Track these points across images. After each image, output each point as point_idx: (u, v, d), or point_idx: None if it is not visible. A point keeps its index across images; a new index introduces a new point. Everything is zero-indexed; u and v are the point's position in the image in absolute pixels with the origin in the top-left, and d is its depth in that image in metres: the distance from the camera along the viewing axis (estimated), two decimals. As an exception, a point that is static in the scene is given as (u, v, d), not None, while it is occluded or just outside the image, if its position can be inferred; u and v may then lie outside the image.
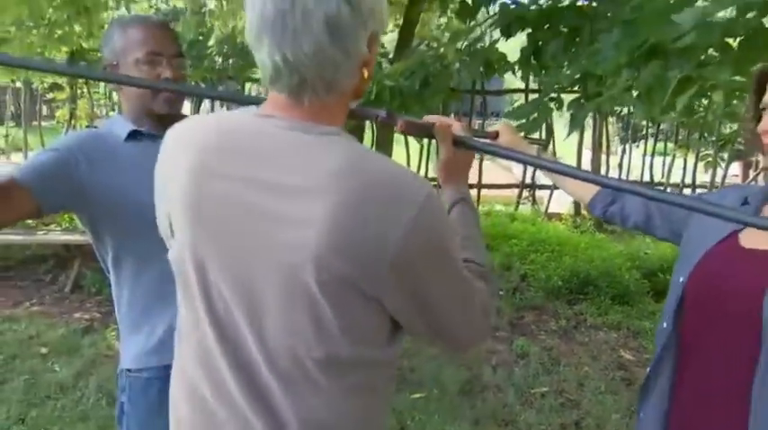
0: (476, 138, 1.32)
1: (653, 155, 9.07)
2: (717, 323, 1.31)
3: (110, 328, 4.48)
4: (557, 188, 6.52)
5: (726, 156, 8.37)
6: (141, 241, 1.52)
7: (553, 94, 2.41)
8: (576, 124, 2.36)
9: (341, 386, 0.99)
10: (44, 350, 4.13)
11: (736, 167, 10.19)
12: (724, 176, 8.69)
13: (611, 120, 10.44)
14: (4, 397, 3.48)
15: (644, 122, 9.38)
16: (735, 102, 1.87)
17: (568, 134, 2.40)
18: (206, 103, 6.22)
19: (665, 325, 1.39)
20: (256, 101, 1.63)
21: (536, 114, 2.45)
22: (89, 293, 5.18)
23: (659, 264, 6.03)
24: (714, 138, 7.94)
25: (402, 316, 1.00)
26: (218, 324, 1.00)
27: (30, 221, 5.49)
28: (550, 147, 7.88)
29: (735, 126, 7.55)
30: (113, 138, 1.64)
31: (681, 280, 1.36)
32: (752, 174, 9.47)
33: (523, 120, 2.44)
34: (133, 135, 1.64)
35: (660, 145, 9.87)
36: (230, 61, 3.36)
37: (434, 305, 1.00)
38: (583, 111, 2.28)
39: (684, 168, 8.66)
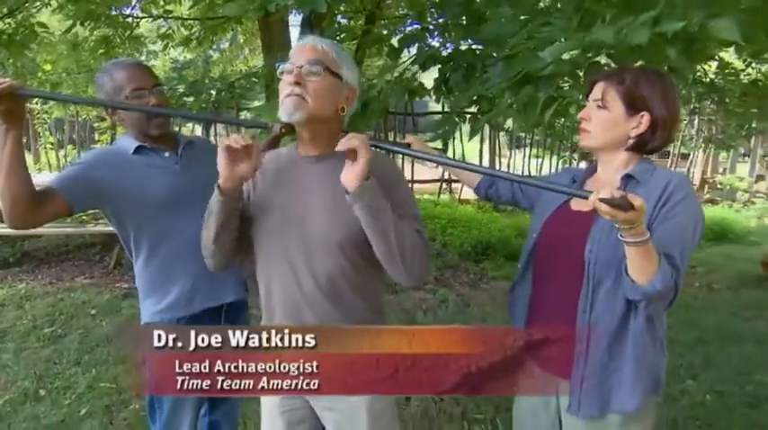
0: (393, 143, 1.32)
1: (530, 157, 9.24)
2: (556, 261, 1.32)
3: (143, 294, 4.30)
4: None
5: (576, 156, 8.72)
6: (153, 225, 1.55)
7: (457, 112, 2.35)
8: (474, 133, 2.31)
9: None
10: (93, 311, 3.98)
11: (583, 164, 10.47)
12: (577, 167, 8.89)
13: (501, 133, 10.58)
14: (64, 346, 3.35)
15: (523, 134, 9.52)
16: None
17: (469, 139, 2.37)
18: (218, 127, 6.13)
19: (519, 266, 1.44)
20: (254, 124, 1.58)
21: (446, 127, 2.38)
22: (126, 269, 4.95)
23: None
24: (569, 145, 8.12)
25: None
26: None
27: (83, 217, 5.53)
28: (459, 153, 7.90)
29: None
30: (123, 152, 1.56)
31: (534, 235, 1.38)
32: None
33: (439, 131, 2.37)
34: (138, 150, 1.56)
35: (535, 150, 10.07)
36: (222, 94, 3.20)
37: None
38: (478, 123, 2.21)
39: (550, 166, 8.83)
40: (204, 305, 1.61)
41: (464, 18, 2.52)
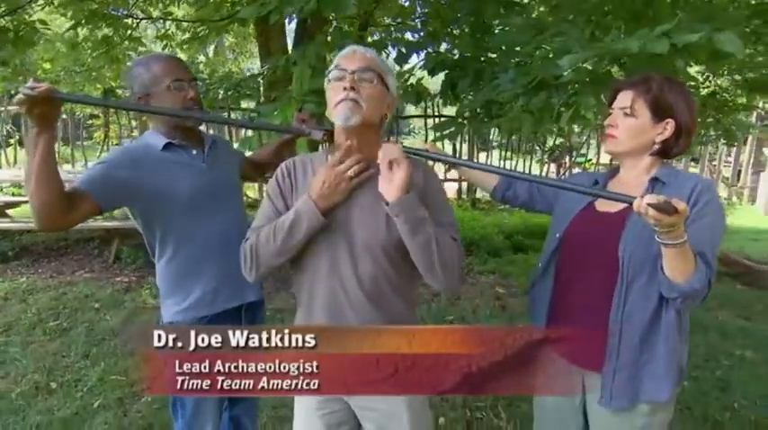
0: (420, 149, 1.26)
1: (504, 159, 9.29)
2: (584, 260, 1.29)
3: (144, 288, 4.16)
4: (448, 181, 6.73)
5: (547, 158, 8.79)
6: (180, 224, 1.45)
7: (465, 115, 2.32)
8: (479, 134, 2.29)
9: None
10: (97, 305, 3.80)
11: (553, 167, 10.63)
12: (547, 172, 9.03)
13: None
14: (71, 340, 3.19)
15: (491, 137, 9.60)
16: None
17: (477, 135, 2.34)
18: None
19: (539, 265, 1.39)
20: (292, 130, 1.50)
21: (453, 128, 2.35)
22: (126, 263, 4.78)
23: (515, 229, 6.16)
24: (546, 149, 8.21)
25: None
26: None
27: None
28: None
29: (557, 140, 7.95)
30: (151, 148, 1.44)
31: (557, 235, 1.35)
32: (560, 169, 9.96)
33: (446, 132, 2.35)
34: (167, 146, 1.45)
35: (503, 152, 10.16)
36: (229, 93, 3.08)
37: None
38: (485, 126, 2.18)
39: (524, 167, 8.89)
40: (227, 305, 1.52)
41: (469, 28, 2.50)
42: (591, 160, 10.15)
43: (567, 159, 10.03)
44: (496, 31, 2.42)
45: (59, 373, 2.74)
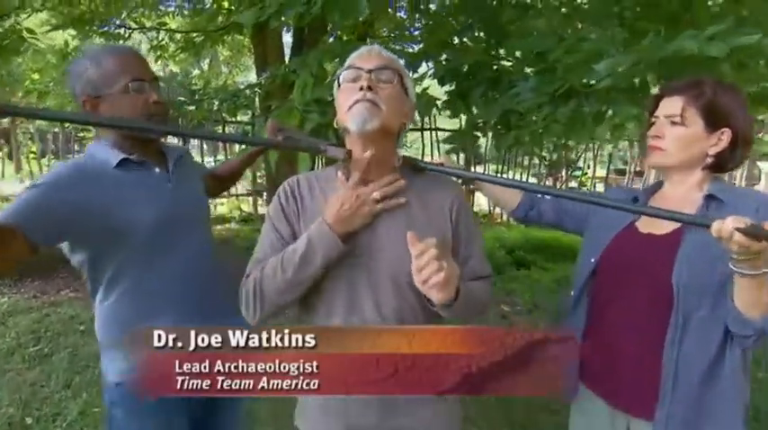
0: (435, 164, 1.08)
1: (501, 173, 9.17)
2: (627, 288, 1.12)
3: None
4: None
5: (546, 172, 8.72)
6: (139, 258, 1.13)
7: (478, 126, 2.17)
8: (500, 147, 2.13)
9: None
10: (82, 327, 3.52)
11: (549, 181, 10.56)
12: (544, 184, 8.92)
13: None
14: (52, 367, 2.91)
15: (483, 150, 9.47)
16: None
17: (498, 150, 2.19)
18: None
19: (573, 293, 1.23)
20: (309, 149, 1.17)
21: (464, 140, 2.19)
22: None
23: (515, 244, 5.99)
24: (546, 162, 8.10)
25: None
26: None
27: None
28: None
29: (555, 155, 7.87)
30: (101, 166, 1.10)
31: (592, 259, 1.19)
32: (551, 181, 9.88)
33: (457, 145, 2.19)
34: (123, 163, 1.12)
35: (496, 166, 10.06)
36: (224, 104, 2.91)
37: None
38: (504, 138, 2.02)
39: (520, 179, 8.78)
40: None
41: (483, 32, 2.35)
42: (587, 173, 10.08)
43: (564, 172, 9.93)
44: (509, 37, 2.28)
45: (36, 406, 2.49)
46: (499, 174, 8.59)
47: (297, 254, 0.93)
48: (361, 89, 0.93)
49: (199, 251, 1.24)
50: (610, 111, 1.51)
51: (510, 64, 2.14)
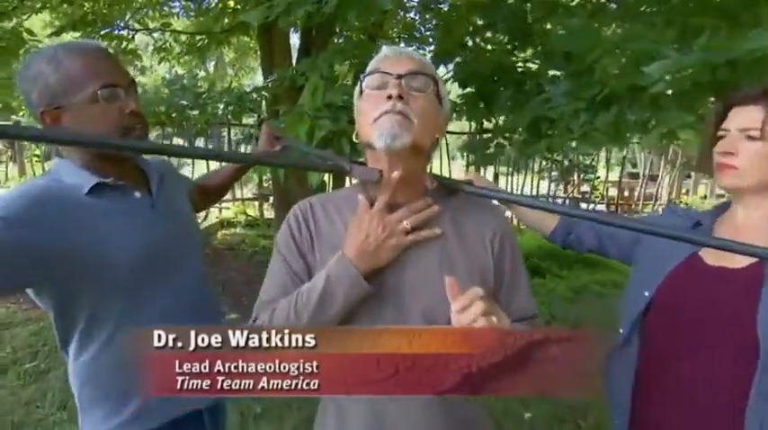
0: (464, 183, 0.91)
1: (509, 175, 8.97)
2: (692, 332, 0.95)
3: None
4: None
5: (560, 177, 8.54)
6: (118, 300, 0.94)
7: (506, 134, 1.99)
8: (530, 155, 1.95)
9: None
10: (80, 341, 3.37)
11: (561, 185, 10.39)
12: (555, 190, 8.75)
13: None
14: (48, 385, 2.76)
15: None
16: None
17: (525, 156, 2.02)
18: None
19: (622, 330, 1.07)
20: (330, 168, 0.91)
21: (492, 149, 2.02)
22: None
23: (529, 251, 5.79)
24: (558, 166, 7.92)
25: None
26: None
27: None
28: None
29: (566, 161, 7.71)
30: (71, 192, 0.91)
31: (646, 293, 1.03)
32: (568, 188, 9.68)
33: (479, 155, 2.01)
34: (96, 188, 0.92)
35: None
36: (230, 108, 2.76)
37: None
38: (533, 147, 1.85)
39: (531, 187, 8.54)
40: (187, 405, 1.02)
41: (505, 33, 2.18)
42: (599, 177, 9.88)
43: (576, 177, 9.72)
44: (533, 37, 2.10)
45: (30, 430, 2.35)
46: (509, 179, 8.40)
47: (314, 295, 0.77)
48: (390, 98, 0.77)
49: (190, 286, 1.06)
50: (654, 119, 1.34)
51: (536, 66, 1.97)
